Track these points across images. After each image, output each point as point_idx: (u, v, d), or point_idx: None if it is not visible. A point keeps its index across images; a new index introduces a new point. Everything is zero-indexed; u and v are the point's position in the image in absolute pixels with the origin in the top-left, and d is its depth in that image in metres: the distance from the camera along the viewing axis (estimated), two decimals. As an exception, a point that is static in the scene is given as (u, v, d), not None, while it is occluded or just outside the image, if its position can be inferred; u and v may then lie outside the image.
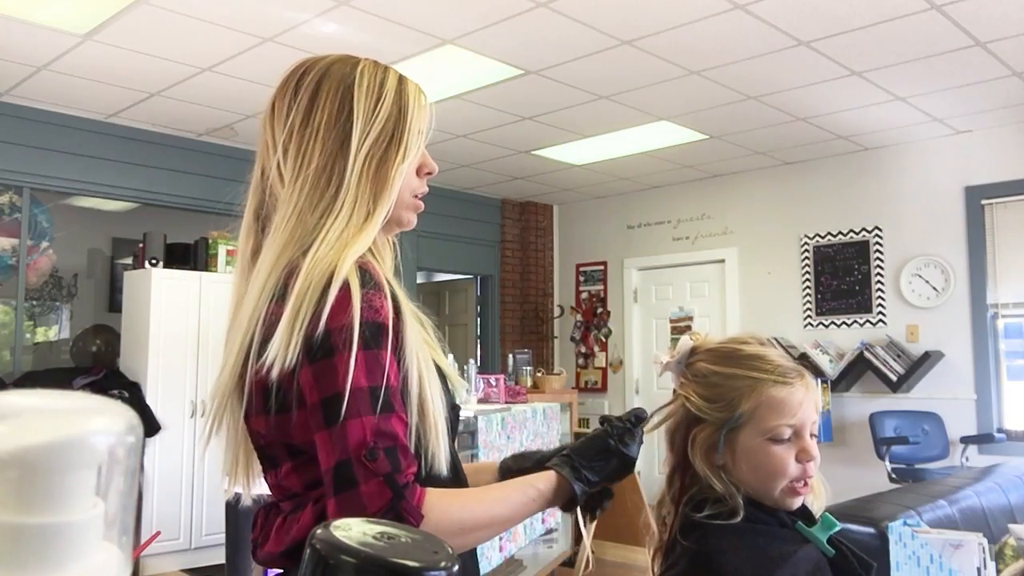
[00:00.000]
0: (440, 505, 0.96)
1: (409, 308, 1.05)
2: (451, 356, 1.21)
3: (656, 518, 1.23)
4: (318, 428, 0.95)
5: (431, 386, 1.03)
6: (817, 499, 1.20)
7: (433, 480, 1.01)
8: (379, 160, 1.09)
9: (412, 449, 0.98)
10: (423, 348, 1.05)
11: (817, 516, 1.18)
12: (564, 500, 1.11)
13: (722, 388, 1.18)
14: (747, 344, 1.23)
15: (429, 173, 1.18)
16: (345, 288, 0.97)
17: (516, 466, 1.21)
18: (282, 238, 1.05)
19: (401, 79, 1.15)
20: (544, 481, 1.10)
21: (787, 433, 1.15)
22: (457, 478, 1.11)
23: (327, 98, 1.09)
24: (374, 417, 0.94)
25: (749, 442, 1.16)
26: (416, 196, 1.17)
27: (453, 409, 1.14)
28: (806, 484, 1.16)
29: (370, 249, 1.07)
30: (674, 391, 1.25)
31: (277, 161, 1.10)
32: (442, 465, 1.03)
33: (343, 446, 0.93)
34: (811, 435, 1.17)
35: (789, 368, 1.19)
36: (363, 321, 0.96)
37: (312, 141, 1.08)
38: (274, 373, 0.96)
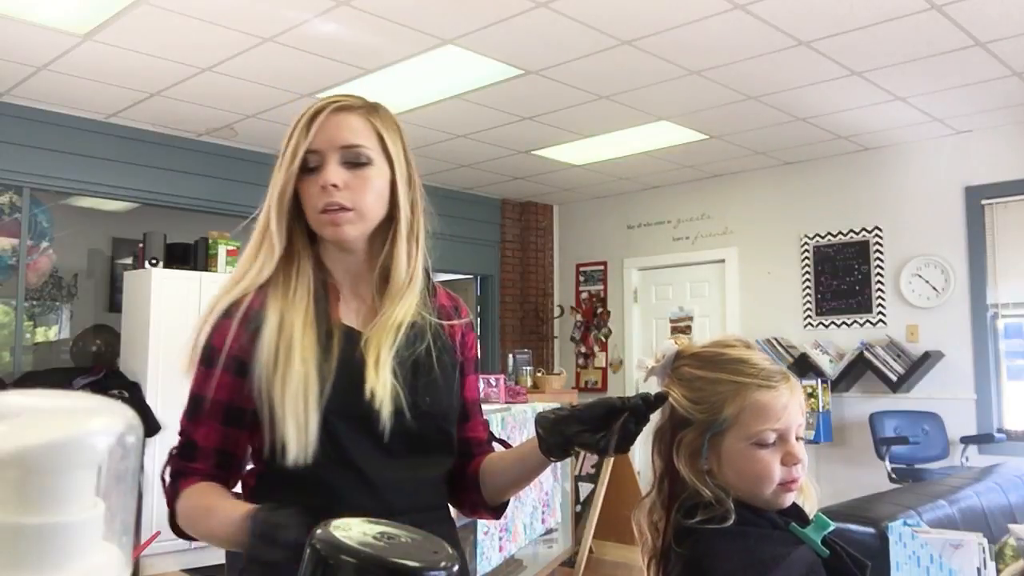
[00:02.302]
0: (183, 503, 1.18)
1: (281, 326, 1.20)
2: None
3: (647, 524, 1.21)
4: None
5: (283, 391, 1.14)
6: (808, 500, 1.19)
7: (280, 471, 1.14)
8: (271, 201, 1.22)
9: (221, 449, 1.22)
10: (287, 360, 1.15)
11: (810, 517, 1.17)
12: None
13: (706, 392, 1.17)
14: (731, 347, 1.21)
15: (323, 186, 1.20)
16: (205, 316, 1.25)
17: (551, 431, 1.19)
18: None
19: (308, 109, 1.22)
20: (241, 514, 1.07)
21: (772, 438, 1.14)
22: (319, 475, 1.14)
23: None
24: (185, 418, 1.26)
25: (734, 447, 1.15)
26: (324, 211, 1.20)
27: (355, 407, 1.17)
28: (795, 482, 1.15)
29: (281, 278, 1.22)
30: None
31: None
32: (293, 457, 1.12)
33: None
34: (797, 438, 1.15)
35: (773, 371, 1.17)
36: (199, 344, 1.25)
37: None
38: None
